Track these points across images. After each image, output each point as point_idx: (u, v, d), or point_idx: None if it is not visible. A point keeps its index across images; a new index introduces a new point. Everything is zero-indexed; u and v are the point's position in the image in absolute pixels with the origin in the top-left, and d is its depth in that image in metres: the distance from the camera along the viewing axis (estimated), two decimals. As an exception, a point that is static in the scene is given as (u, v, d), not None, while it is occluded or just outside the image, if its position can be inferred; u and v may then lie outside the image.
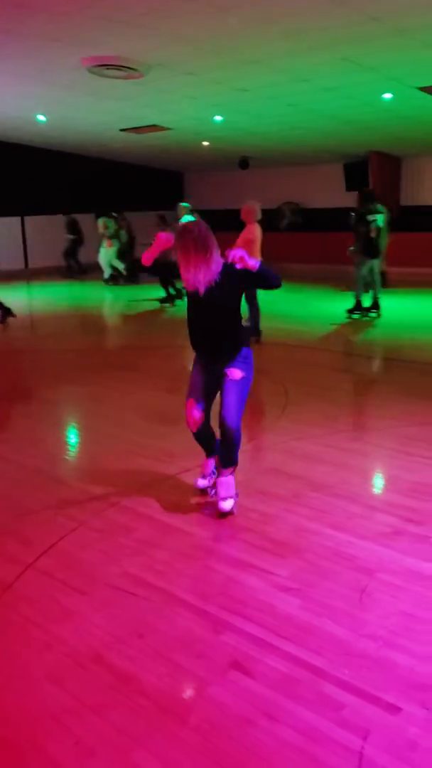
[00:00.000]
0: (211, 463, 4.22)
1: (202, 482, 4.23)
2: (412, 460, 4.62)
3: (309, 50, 8.91)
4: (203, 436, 4.07)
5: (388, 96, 11.26)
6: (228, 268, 3.61)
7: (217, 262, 3.59)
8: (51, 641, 2.79)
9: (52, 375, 7.46)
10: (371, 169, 17.43)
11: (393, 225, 15.29)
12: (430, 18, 7.54)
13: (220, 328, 3.80)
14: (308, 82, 10.77)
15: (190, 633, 2.81)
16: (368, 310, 10.69)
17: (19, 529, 3.75)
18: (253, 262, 3.57)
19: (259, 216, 8.55)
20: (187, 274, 3.61)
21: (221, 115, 13.62)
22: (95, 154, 18.90)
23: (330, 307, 11.81)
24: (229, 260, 3.55)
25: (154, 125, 14.95)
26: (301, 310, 11.74)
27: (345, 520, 3.78)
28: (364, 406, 5.88)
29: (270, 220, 20.47)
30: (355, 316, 10.62)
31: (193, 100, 12.36)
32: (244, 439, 4.02)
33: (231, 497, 3.89)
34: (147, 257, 3.90)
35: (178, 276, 3.78)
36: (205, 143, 16.95)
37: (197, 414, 3.89)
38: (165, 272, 4.16)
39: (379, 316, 10.58)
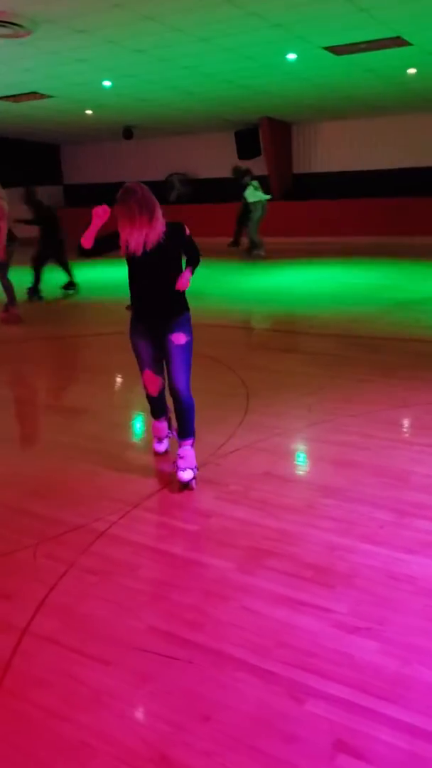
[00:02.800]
0: (163, 426, 4.28)
1: (159, 446, 4.32)
2: (416, 450, 4.23)
3: (213, 4, 8.25)
4: (159, 397, 4.13)
5: (292, 57, 10.80)
6: (174, 226, 3.69)
7: (161, 223, 3.60)
8: (89, 740, 2.15)
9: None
10: (262, 136, 17.07)
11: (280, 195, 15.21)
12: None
13: (166, 290, 3.79)
14: (207, 42, 10.13)
15: (266, 706, 2.25)
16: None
17: (-5, 581, 3.04)
18: (187, 275, 3.82)
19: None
20: (130, 236, 3.57)
21: (111, 81, 12.72)
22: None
23: (237, 281, 11.36)
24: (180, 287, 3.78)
25: (34, 92, 13.81)
26: (211, 287, 11.13)
27: (377, 530, 3.32)
28: (330, 389, 5.45)
29: (158, 193, 19.68)
30: None
31: (81, 63, 11.41)
32: (218, 441, 4.25)
33: (191, 468, 3.85)
34: (87, 238, 3.70)
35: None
36: (89, 112, 15.94)
37: (158, 380, 3.99)
38: (112, 243, 3.63)
39: None
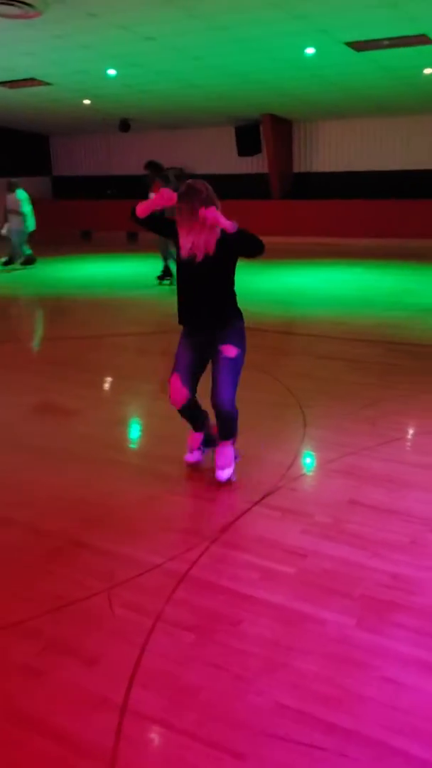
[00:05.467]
0: (198, 437, 3.97)
1: (190, 457, 4.00)
2: None
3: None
4: (189, 413, 3.82)
5: (310, 51, 10.36)
6: (224, 234, 3.37)
7: (219, 229, 3.36)
8: None
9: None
10: (264, 133, 16.63)
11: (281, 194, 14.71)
12: None
13: (216, 299, 3.55)
14: (225, 31, 9.67)
15: None
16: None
17: (67, 633, 2.54)
18: (228, 224, 3.29)
19: None
20: (188, 238, 3.38)
21: (116, 69, 12.17)
22: None
23: (243, 281, 10.89)
24: (200, 220, 3.31)
25: (32, 78, 13.22)
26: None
27: None
28: (389, 401, 5.02)
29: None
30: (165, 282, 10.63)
31: (87, 49, 10.89)
32: (283, 461, 3.97)
33: (229, 466, 3.73)
34: (143, 209, 3.49)
35: (173, 237, 3.52)
36: (87, 102, 15.36)
37: (184, 392, 3.67)
38: (162, 229, 3.64)
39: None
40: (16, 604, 2.76)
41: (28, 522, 3.45)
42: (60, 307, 9.99)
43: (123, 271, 13.51)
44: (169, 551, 3.12)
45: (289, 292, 10.61)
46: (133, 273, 13.21)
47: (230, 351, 3.55)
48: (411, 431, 4.49)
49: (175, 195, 3.38)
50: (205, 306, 3.56)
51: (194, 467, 3.99)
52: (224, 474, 3.72)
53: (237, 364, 3.59)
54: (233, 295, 3.61)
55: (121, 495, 3.70)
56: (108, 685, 2.31)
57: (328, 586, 2.82)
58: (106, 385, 6.04)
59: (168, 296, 10.27)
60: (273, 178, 16.96)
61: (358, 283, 11.60)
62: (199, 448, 3.99)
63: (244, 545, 3.20)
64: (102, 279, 12.37)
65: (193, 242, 3.40)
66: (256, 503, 3.55)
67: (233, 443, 3.80)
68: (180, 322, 3.68)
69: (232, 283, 3.58)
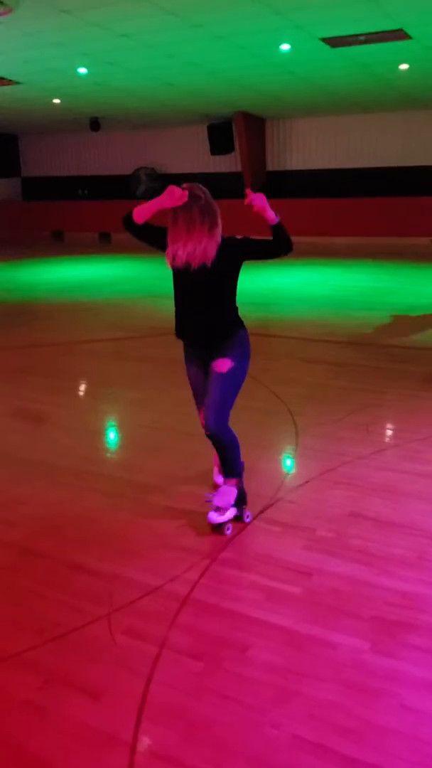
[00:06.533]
0: None
1: (218, 478, 3.65)
2: None
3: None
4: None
5: (285, 47, 10.28)
6: (227, 241, 3.17)
7: (219, 235, 3.14)
8: None
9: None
10: (236, 132, 16.54)
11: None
12: None
13: (216, 310, 3.27)
14: (200, 28, 9.53)
15: None
16: None
17: (68, 664, 2.42)
18: (272, 214, 3.15)
19: None
20: (182, 246, 3.11)
21: (87, 67, 11.97)
22: None
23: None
24: (246, 202, 3.12)
25: (1, 78, 12.96)
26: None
27: None
28: (380, 407, 4.96)
29: (125, 187, 19.00)
30: None
31: (58, 47, 10.67)
32: (279, 471, 3.80)
33: (225, 508, 3.30)
34: (141, 213, 3.17)
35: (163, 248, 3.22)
36: (57, 101, 15.12)
37: None
38: (155, 239, 3.27)
39: None
40: (11, 634, 2.63)
41: (16, 542, 3.32)
42: (33, 312, 9.81)
43: (97, 273, 13.33)
44: (168, 571, 3.01)
45: (266, 293, 10.53)
46: (107, 275, 13.04)
47: (222, 365, 3.25)
48: (404, 438, 4.43)
49: (185, 194, 3.05)
50: (204, 317, 3.27)
51: (187, 481, 3.87)
52: (214, 517, 3.29)
53: (230, 379, 3.27)
54: (234, 304, 3.34)
55: (111, 511, 3.58)
56: (115, 720, 2.19)
57: (337, 607, 2.73)
58: (87, 394, 5.90)
59: (143, 300, 10.14)
60: (246, 176, 16.87)
61: (334, 282, 11.58)
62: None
63: (245, 563, 3.10)
64: (76, 282, 12.18)
65: (192, 250, 3.12)
66: (254, 518, 3.45)
67: (235, 484, 3.39)
68: (178, 336, 3.40)
69: (234, 291, 3.32)
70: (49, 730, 2.16)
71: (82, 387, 6.07)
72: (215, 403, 3.24)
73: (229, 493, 3.35)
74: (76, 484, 3.92)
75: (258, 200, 3.12)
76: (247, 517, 3.42)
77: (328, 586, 2.87)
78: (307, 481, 3.84)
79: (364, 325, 7.98)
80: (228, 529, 3.31)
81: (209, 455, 3.78)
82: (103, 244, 18.08)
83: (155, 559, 3.12)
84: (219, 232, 3.15)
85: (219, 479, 3.69)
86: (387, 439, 4.42)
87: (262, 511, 3.51)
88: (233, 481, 3.39)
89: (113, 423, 5.13)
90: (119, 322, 8.73)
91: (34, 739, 2.13)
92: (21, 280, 12.53)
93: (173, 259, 3.19)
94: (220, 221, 3.14)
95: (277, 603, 2.77)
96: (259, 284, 11.32)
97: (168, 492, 3.78)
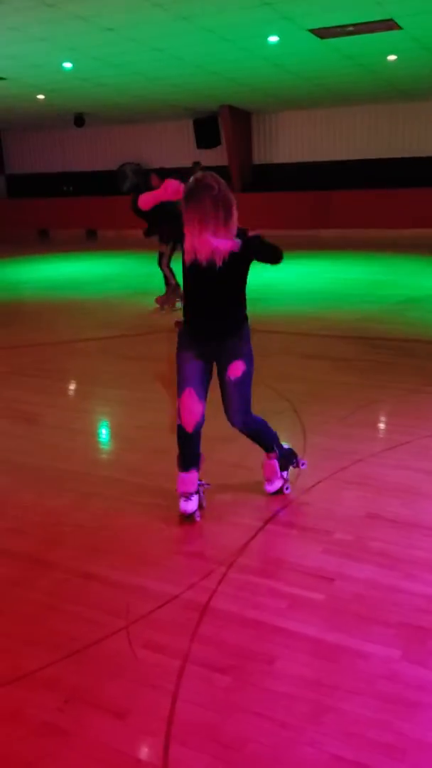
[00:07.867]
0: (193, 477, 3.38)
1: (186, 505, 3.36)
2: None
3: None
4: (194, 440, 3.34)
5: (273, 39, 10.16)
6: (240, 233, 3.04)
7: (235, 227, 3.02)
8: None
9: None
10: (222, 125, 16.43)
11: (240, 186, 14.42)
12: None
13: (229, 306, 3.24)
14: (187, 21, 9.41)
15: None
16: None
17: (88, 681, 2.31)
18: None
19: None
20: (199, 240, 2.98)
21: (72, 62, 11.80)
22: None
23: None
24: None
25: (-17, 74, 12.77)
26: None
27: None
28: (386, 402, 4.87)
29: (110, 183, 18.81)
30: None
31: (43, 42, 10.51)
32: (293, 473, 3.75)
33: (276, 478, 3.55)
34: (146, 201, 3.18)
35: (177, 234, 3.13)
36: (41, 97, 14.92)
37: (200, 407, 3.26)
38: (165, 222, 3.44)
39: None
40: (26, 650, 2.52)
41: (26, 552, 3.19)
42: (20, 311, 9.65)
43: (84, 271, 13.18)
44: (185, 579, 2.90)
45: (258, 288, 10.36)
46: (94, 272, 12.89)
47: (236, 371, 3.24)
48: (414, 434, 4.34)
49: (182, 187, 3.00)
50: (217, 314, 3.24)
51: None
52: (271, 487, 3.57)
53: (246, 380, 3.31)
54: (245, 301, 3.31)
55: (121, 516, 3.47)
56: (142, 743, 2.09)
57: (362, 614, 2.64)
58: (82, 394, 5.77)
59: (131, 297, 10.01)
60: (233, 170, 16.76)
61: (326, 275, 11.50)
62: (197, 492, 3.42)
63: (263, 569, 3.00)
64: (62, 280, 12.03)
65: (206, 246, 3.03)
66: (268, 521, 3.36)
67: (276, 457, 3.54)
68: (189, 332, 3.31)
69: (244, 288, 3.29)
70: (72, 755, 2.05)
71: (76, 387, 5.95)
72: (240, 408, 3.33)
73: (275, 466, 3.55)
74: (81, 488, 3.81)
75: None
76: (302, 464, 3.69)
77: (351, 591, 2.78)
78: (319, 482, 3.75)
79: (361, 318, 7.91)
80: (287, 489, 3.60)
81: (214, 456, 3.69)
82: (90, 241, 17.91)
83: (170, 566, 3.02)
84: (234, 224, 3.03)
85: (187, 507, 3.39)
86: (396, 436, 4.33)
87: (275, 514, 3.41)
88: (273, 454, 3.52)
89: (113, 424, 5.02)
90: (108, 320, 8.59)
91: (58, 765, 2.02)
92: (7, 279, 12.36)
93: (191, 255, 3.10)
94: (235, 213, 3.02)
95: (300, 611, 2.68)
96: (251, 279, 11.17)
97: (175, 495, 3.66)
